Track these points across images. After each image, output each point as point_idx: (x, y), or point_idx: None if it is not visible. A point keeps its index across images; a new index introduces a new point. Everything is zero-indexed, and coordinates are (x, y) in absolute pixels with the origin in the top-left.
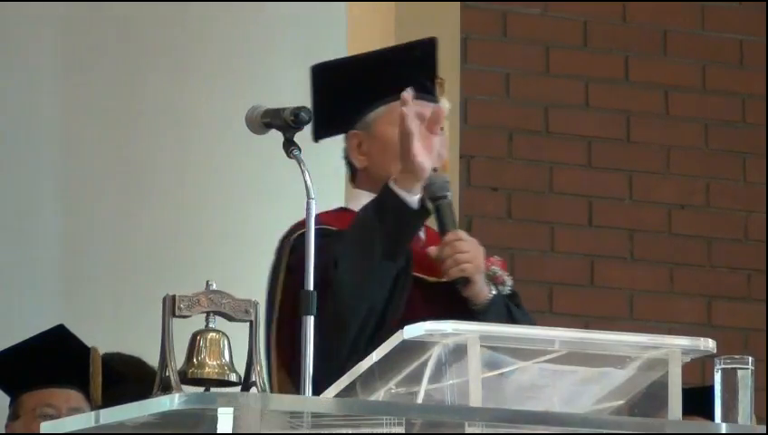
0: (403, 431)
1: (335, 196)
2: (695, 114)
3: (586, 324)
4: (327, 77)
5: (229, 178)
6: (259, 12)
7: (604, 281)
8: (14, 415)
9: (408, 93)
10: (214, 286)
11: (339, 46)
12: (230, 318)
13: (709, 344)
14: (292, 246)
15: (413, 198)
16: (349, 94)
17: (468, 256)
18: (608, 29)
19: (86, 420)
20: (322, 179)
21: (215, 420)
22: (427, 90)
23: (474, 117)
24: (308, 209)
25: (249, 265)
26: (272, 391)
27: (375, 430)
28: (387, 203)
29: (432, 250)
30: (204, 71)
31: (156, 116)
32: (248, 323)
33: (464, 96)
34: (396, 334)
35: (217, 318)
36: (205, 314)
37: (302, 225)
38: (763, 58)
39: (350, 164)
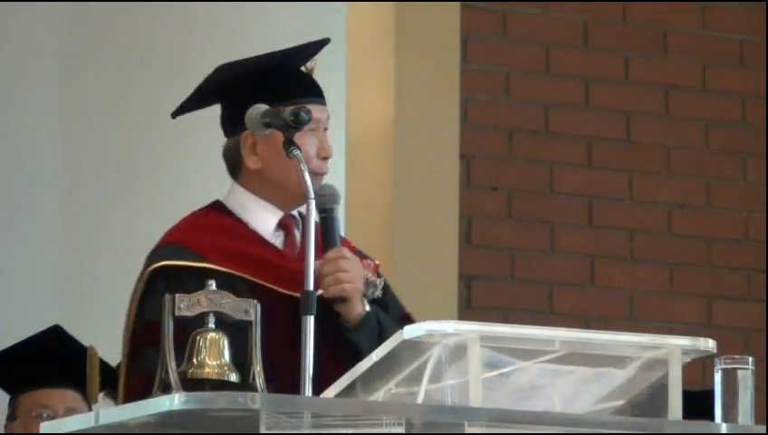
0: (403, 431)
1: None
2: (695, 114)
3: (586, 324)
4: (226, 76)
5: (229, 177)
6: (259, 12)
7: (604, 281)
8: (12, 416)
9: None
10: (214, 286)
11: (339, 46)
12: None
13: (709, 344)
14: (144, 290)
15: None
16: (245, 96)
17: (350, 275)
18: (608, 29)
19: (86, 420)
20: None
21: (215, 420)
22: (319, 93)
23: (474, 117)
24: (308, 209)
25: None
26: None
27: (375, 430)
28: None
29: (317, 265)
30: (204, 71)
31: (156, 115)
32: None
33: (464, 96)
34: (396, 334)
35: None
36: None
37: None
38: (763, 58)
39: (232, 160)
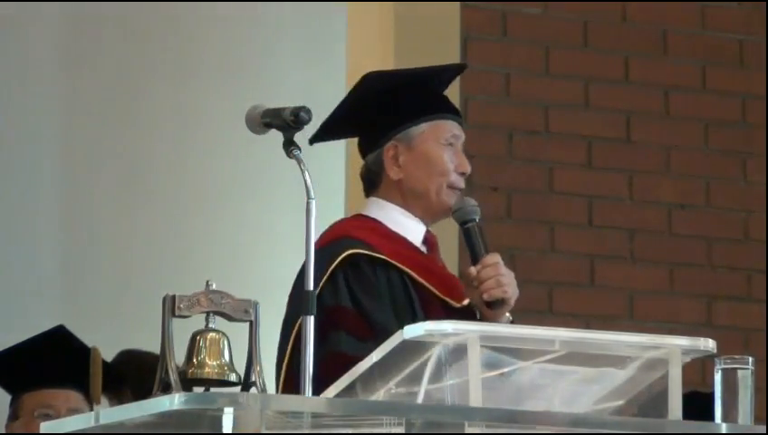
0: (403, 431)
1: (335, 196)
2: (695, 114)
3: (586, 324)
4: (374, 86)
5: (229, 177)
6: (259, 12)
7: (604, 281)
8: (13, 415)
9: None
10: (214, 286)
11: (339, 46)
12: (230, 318)
13: (709, 344)
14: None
15: None
16: (393, 106)
17: (508, 279)
18: (608, 29)
19: (86, 420)
20: (322, 179)
21: (215, 420)
22: (456, 111)
23: (474, 117)
24: (308, 209)
25: (249, 265)
26: None
27: (375, 430)
28: None
29: (472, 270)
30: (204, 71)
31: (156, 116)
32: (248, 324)
33: (464, 96)
34: (396, 334)
35: (217, 318)
36: (205, 314)
37: (339, 244)
38: (763, 58)
39: (374, 174)
